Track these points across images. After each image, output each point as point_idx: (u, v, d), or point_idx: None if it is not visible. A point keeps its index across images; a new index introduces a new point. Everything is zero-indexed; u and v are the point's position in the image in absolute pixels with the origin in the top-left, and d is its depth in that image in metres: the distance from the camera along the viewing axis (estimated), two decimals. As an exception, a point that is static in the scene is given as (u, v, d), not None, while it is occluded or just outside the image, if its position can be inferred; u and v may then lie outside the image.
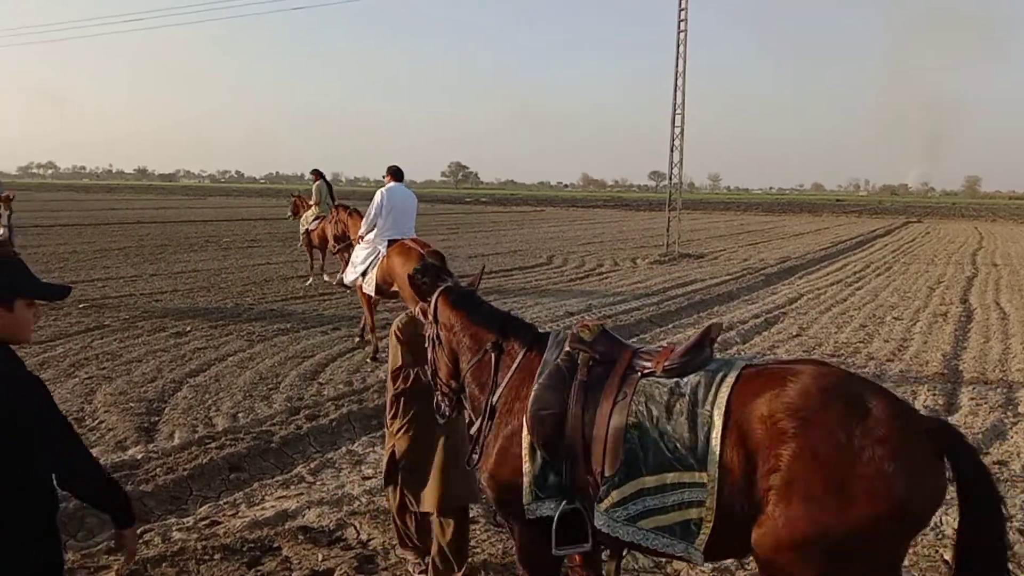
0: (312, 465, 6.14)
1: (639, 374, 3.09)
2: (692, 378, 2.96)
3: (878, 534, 2.57)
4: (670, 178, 24.92)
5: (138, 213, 43.10)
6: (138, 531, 4.86)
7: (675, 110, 23.36)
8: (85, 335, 10.68)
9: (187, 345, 10.18)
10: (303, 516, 5.13)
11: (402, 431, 4.14)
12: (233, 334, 10.90)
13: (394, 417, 4.18)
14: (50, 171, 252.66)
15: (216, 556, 4.53)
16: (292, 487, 5.71)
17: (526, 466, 3.15)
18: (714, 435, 2.79)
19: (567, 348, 3.24)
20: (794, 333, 11.83)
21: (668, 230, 24.51)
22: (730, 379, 2.89)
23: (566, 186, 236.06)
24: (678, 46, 22.89)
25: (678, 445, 2.86)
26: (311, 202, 16.49)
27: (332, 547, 4.72)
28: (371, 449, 6.48)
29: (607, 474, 2.97)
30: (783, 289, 17.05)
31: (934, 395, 8.41)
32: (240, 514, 5.21)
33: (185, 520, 5.10)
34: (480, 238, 30.82)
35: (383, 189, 9.48)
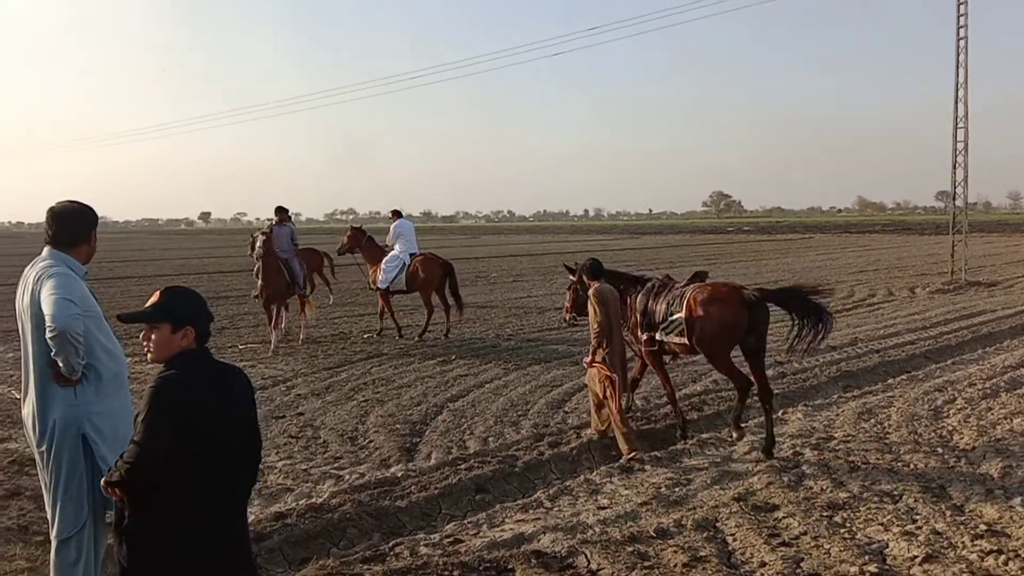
0: (551, 491, 6.34)
1: (668, 291, 7.62)
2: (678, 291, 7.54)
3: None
4: (954, 198, 22.50)
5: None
6: (390, 544, 5.36)
7: (956, 124, 21.10)
8: (366, 362, 11.91)
9: (451, 372, 10.99)
10: (538, 540, 5.31)
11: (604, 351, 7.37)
12: (492, 363, 11.57)
13: (599, 346, 7.39)
14: (351, 216, 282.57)
15: (455, 573, 4.83)
16: (531, 511, 5.94)
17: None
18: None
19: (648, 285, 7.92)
20: (1109, 372, 10.13)
21: (953, 255, 22.13)
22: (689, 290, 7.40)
23: (839, 211, 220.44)
24: (958, 54, 20.75)
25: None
26: None
27: (562, 573, 4.85)
28: (608, 480, 6.56)
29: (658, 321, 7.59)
30: (1099, 321, 14.66)
31: None
32: (481, 534, 5.52)
33: (432, 536, 5.49)
34: (738, 268, 29.87)
35: (395, 223, 14.71)
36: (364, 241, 14.94)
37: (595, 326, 7.34)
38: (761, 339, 7.18)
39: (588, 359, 7.59)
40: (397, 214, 14.95)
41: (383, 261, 14.28)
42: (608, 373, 7.27)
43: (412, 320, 15.62)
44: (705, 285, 7.44)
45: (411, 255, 14.15)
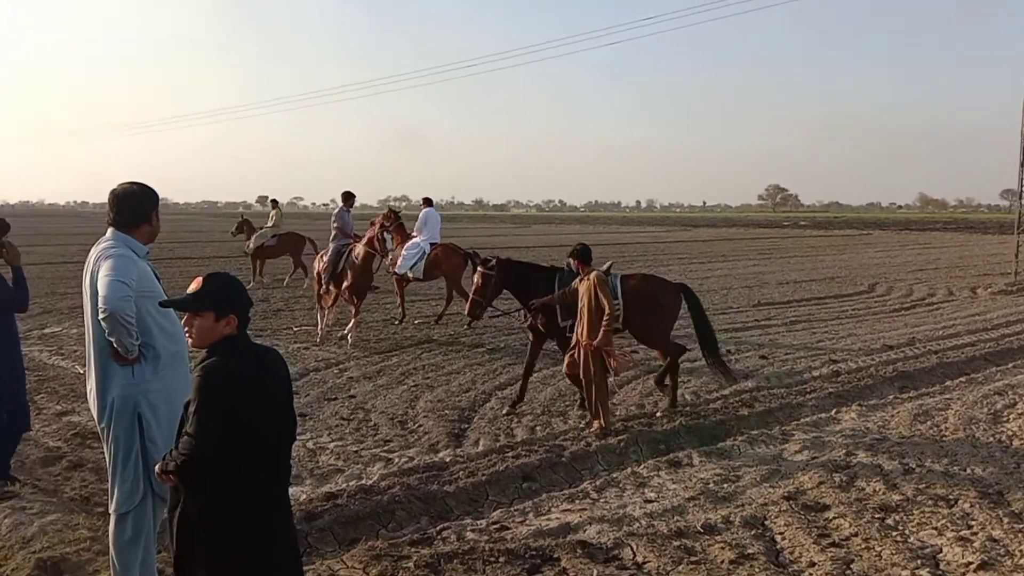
0: (598, 482, 6.35)
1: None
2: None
3: None
4: (1020, 196, 21.80)
5: (471, 240, 47.23)
6: (438, 528, 5.43)
7: (1025, 120, 20.43)
8: (416, 348, 12.04)
9: (499, 360, 11.05)
10: (584, 531, 5.33)
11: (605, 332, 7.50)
12: (541, 353, 11.54)
13: (608, 325, 7.47)
14: (403, 203, 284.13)
15: (501, 559, 4.88)
16: (577, 501, 5.96)
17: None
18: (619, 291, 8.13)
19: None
20: None
21: (1017, 256, 21.46)
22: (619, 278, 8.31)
23: (900, 207, 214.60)
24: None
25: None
26: (268, 224, 21.73)
27: (608, 564, 4.86)
28: (655, 473, 6.55)
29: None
30: None
31: None
32: (527, 522, 5.56)
33: (479, 522, 5.55)
34: (794, 263, 29.35)
35: (424, 211, 15.07)
36: (393, 226, 14.89)
37: (607, 310, 7.46)
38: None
39: (595, 343, 7.49)
40: (428, 202, 15.36)
41: (404, 248, 14.51)
42: (624, 356, 8.18)
43: (462, 308, 15.67)
44: (636, 275, 8.78)
45: (431, 244, 14.51)
